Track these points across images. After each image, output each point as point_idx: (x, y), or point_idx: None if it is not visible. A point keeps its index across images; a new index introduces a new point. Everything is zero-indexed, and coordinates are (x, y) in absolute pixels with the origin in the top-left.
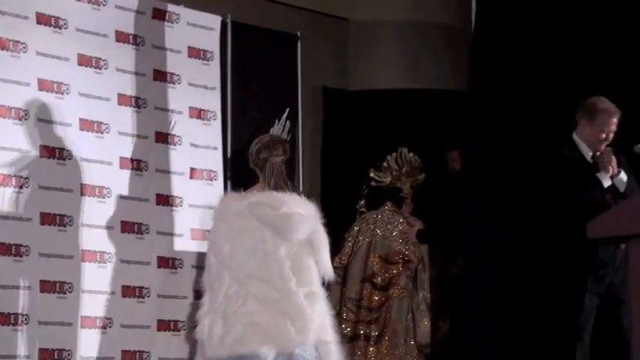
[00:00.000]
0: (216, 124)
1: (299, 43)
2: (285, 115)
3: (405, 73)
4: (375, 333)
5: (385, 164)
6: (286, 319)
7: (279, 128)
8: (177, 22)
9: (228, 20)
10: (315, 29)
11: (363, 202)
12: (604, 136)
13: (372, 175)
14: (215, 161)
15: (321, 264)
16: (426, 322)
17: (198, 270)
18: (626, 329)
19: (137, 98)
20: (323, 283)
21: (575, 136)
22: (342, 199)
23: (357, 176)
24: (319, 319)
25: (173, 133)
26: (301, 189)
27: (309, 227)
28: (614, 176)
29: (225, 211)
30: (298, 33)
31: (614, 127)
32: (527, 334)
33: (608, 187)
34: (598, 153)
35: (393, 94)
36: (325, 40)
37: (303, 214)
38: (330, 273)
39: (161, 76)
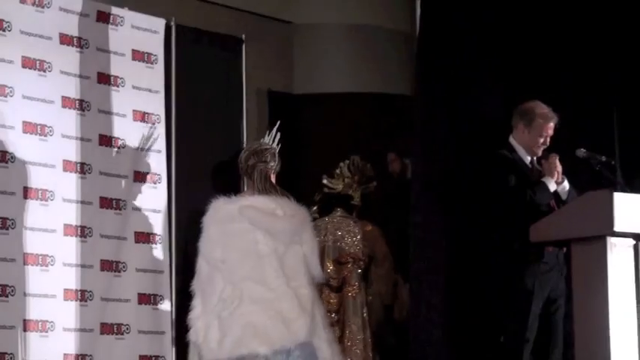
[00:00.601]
0: (160, 127)
1: (244, 47)
2: (276, 126)
3: (350, 76)
4: (337, 335)
5: (338, 171)
6: (282, 319)
7: (269, 139)
8: (121, 25)
9: (173, 23)
10: (259, 32)
11: (315, 208)
12: (542, 140)
13: (324, 182)
14: (159, 164)
15: (310, 266)
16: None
17: (143, 273)
18: (568, 333)
19: (81, 101)
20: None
21: (512, 140)
22: None
23: (303, 180)
24: (313, 318)
25: (116, 135)
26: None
27: (299, 229)
28: (558, 183)
29: (216, 215)
30: (243, 36)
31: (551, 132)
32: (474, 338)
33: (552, 192)
34: (544, 160)
35: (338, 97)
36: (270, 43)
37: (294, 217)
38: (319, 275)
39: (105, 78)
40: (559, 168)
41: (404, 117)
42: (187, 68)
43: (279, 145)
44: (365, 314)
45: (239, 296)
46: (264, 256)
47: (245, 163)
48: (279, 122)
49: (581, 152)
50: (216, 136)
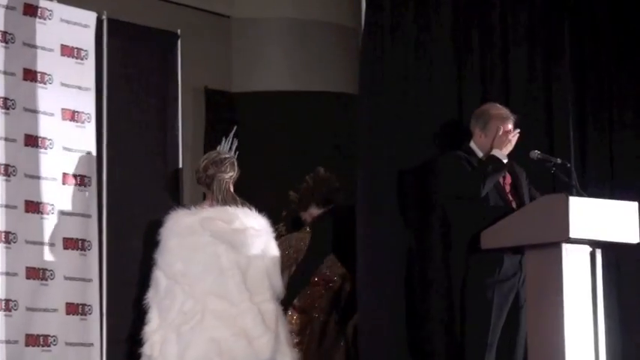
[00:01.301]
0: (91, 126)
1: (179, 42)
2: (232, 132)
3: (292, 74)
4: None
5: (305, 184)
6: (246, 336)
7: (226, 145)
8: (49, 19)
9: (104, 17)
10: (196, 27)
11: (282, 224)
12: None
13: (291, 197)
14: (89, 166)
15: (272, 279)
16: (342, 344)
17: (72, 281)
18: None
19: (5, 99)
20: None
21: (472, 145)
22: None
23: (241, 183)
24: (277, 336)
25: (43, 136)
26: (182, 198)
27: (262, 242)
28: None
29: (175, 227)
30: (178, 31)
31: None
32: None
33: (510, 192)
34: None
35: (279, 96)
36: (207, 38)
37: (257, 229)
38: (280, 289)
39: (31, 75)
40: (513, 140)
41: (350, 117)
42: (120, 64)
43: (237, 153)
44: (328, 343)
45: (201, 311)
46: (227, 270)
47: (204, 173)
48: (235, 128)
49: (535, 154)
50: (150, 137)
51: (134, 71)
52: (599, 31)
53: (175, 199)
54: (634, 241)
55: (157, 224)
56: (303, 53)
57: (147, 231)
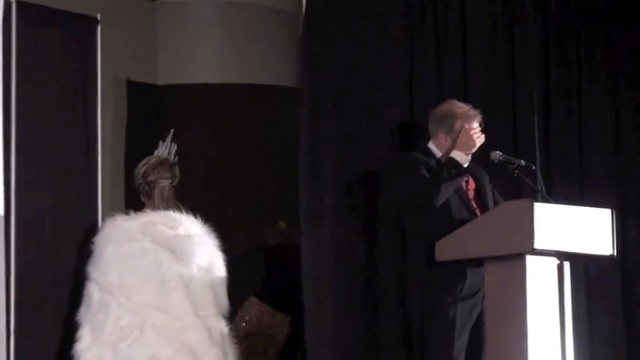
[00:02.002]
0: None
1: (99, 28)
2: (169, 135)
3: (225, 65)
4: None
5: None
6: (190, 352)
7: (164, 150)
8: None
9: (13, 0)
10: (117, 12)
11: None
12: None
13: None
14: None
15: (217, 297)
16: None
17: None
18: None
19: None
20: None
21: (431, 146)
22: None
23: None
24: (225, 354)
25: None
26: (100, 202)
27: (209, 253)
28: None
29: (113, 233)
30: (98, 16)
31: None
32: None
33: (474, 198)
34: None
35: (211, 89)
36: (130, 25)
37: (203, 237)
38: (226, 309)
39: None
40: (479, 141)
41: (290, 113)
42: (32, 52)
43: (177, 158)
44: None
45: (140, 325)
46: (169, 281)
47: (143, 179)
48: (172, 131)
49: (496, 155)
50: (65, 134)
51: (47, 59)
52: (566, 21)
53: (93, 202)
54: (606, 252)
55: (90, 232)
56: (238, 41)
57: (82, 240)
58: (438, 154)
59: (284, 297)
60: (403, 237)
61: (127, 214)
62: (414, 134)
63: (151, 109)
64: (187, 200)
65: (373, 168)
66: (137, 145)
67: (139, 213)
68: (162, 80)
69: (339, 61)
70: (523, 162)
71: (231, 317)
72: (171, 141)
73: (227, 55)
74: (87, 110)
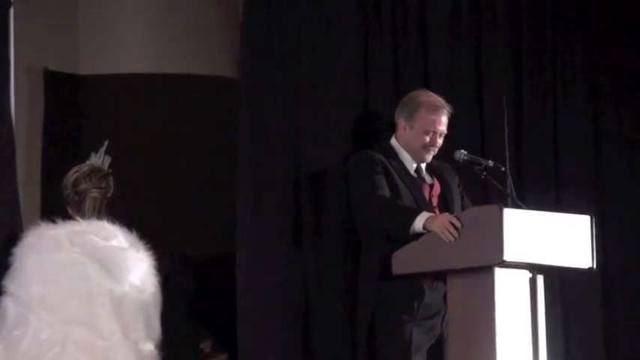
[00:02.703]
0: None
1: (11, 11)
2: (104, 147)
3: (155, 53)
4: None
5: None
6: None
7: (97, 161)
8: None
9: None
10: None
11: None
12: (428, 139)
13: None
14: None
15: (149, 319)
16: None
17: None
18: None
19: None
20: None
21: (393, 142)
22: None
23: None
24: None
25: None
26: (18, 205)
27: (143, 271)
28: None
29: (36, 243)
30: None
31: (442, 128)
32: None
33: (438, 205)
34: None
35: (139, 80)
36: (47, 7)
37: (139, 253)
38: (157, 332)
39: None
40: (449, 230)
41: (229, 107)
42: None
43: (111, 170)
44: None
45: (61, 341)
46: (97, 296)
47: (72, 188)
48: (106, 143)
49: (461, 155)
50: None
51: None
52: (540, 9)
53: (7, 207)
54: (585, 265)
55: (9, 243)
56: (169, 28)
57: None
58: (401, 152)
59: (217, 322)
60: (355, 248)
61: (52, 221)
62: (370, 132)
63: (71, 102)
64: (115, 208)
65: (322, 170)
66: (56, 143)
67: (67, 221)
68: (84, 70)
69: (283, 50)
70: (491, 162)
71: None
72: (105, 153)
73: (158, 43)
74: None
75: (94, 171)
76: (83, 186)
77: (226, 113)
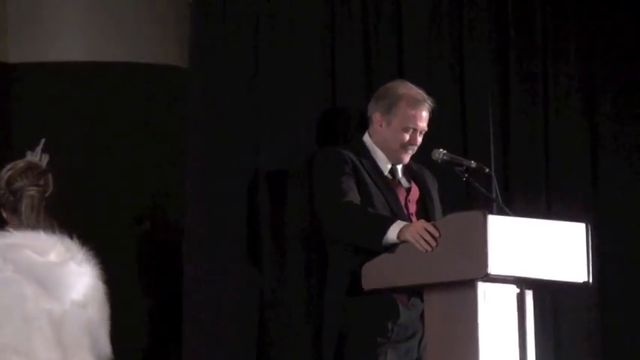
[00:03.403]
0: None
1: None
2: (40, 145)
3: (94, 39)
4: None
5: None
6: None
7: (33, 156)
8: None
9: None
10: None
11: None
12: (407, 137)
13: None
14: None
15: (95, 339)
16: None
17: None
18: None
19: None
20: None
21: (366, 139)
22: None
23: None
24: None
25: None
26: None
27: (86, 285)
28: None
29: None
30: None
31: (424, 124)
32: None
33: (416, 212)
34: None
35: (76, 68)
36: None
37: (80, 265)
38: (106, 353)
39: None
40: (425, 239)
41: (178, 98)
42: None
43: (49, 168)
44: None
45: None
46: (33, 319)
47: (7, 187)
48: (43, 140)
49: (440, 154)
50: None
51: None
52: None
53: None
54: (580, 279)
55: None
56: (111, 12)
57: None
58: (374, 150)
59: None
60: (320, 259)
61: None
62: (338, 129)
63: (1, 90)
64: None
65: (283, 171)
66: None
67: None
68: (14, 58)
69: (238, 37)
70: (474, 163)
71: None
72: (42, 151)
73: (97, 28)
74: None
75: (31, 167)
76: (19, 184)
77: (175, 106)
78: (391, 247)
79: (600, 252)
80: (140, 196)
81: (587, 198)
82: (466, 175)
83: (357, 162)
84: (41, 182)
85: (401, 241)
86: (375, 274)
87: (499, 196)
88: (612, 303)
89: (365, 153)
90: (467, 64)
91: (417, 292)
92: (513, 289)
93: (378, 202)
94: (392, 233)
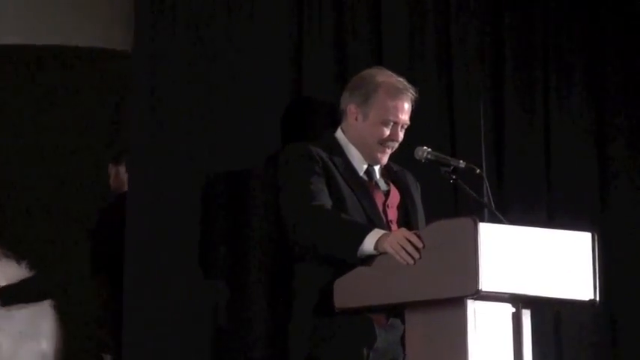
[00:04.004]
0: None
1: None
2: None
3: (32, 22)
4: None
5: None
6: None
7: None
8: None
9: None
10: None
11: None
12: (387, 132)
13: None
14: None
15: None
16: None
17: None
18: None
19: None
20: None
21: (339, 135)
22: None
23: None
24: None
25: None
26: None
27: (25, 315)
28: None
29: None
30: None
31: (405, 117)
32: None
33: (397, 219)
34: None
35: (12, 52)
36: None
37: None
38: None
39: None
40: (406, 250)
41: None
42: None
43: None
44: None
45: None
46: None
47: None
48: None
49: (424, 153)
50: None
51: None
52: None
53: None
54: (585, 296)
55: None
56: None
57: None
58: (348, 147)
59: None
60: (286, 272)
61: None
62: (306, 123)
63: None
64: None
65: (240, 171)
66: None
67: None
68: None
69: (191, 19)
70: (463, 163)
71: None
72: None
73: (34, 11)
74: None
75: None
76: None
77: (118, 93)
78: (367, 260)
79: (609, 266)
80: (78, 185)
81: (595, 203)
82: (454, 177)
83: (328, 161)
84: None
85: (379, 252)
86: (349, 290)
87: (491, 201)
88: (624, 325)
89: (337, 151)
90: (455, 52)
91: (396, 311)
92: (508, 309)
93: (352, 206)
94: (368, 243)
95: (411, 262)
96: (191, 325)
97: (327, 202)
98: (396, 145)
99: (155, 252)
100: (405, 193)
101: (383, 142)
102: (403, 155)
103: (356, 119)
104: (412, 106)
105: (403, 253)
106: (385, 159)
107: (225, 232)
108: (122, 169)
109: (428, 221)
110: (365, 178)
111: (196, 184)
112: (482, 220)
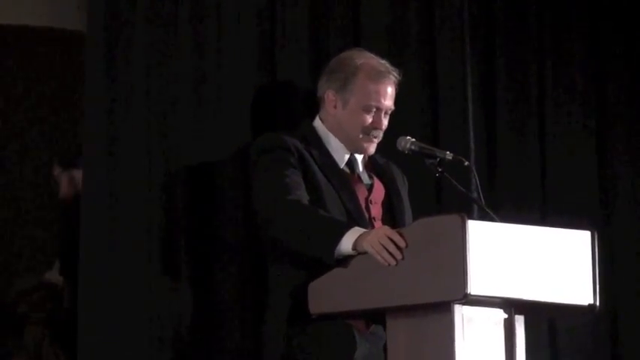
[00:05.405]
0: None
1: None
2: None
3: None
4: None
5: None
6: None
7: None
8: None
9: None
10: None
11: None
12: (369, 119)
13: None
14: None
15: None
16: None
17: None
18: None
19: None
20: None
21: (317, 124)
22: None
23: None
24: None
25: None
26: None
27: None
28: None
29: None
30: None
31: (389, 103)
32: None
33: (383, 216)
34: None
35: None
36: None
37: None
38: None
39: None
40: (388, 250)
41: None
42: None
43: None
44: None
45: None
46: None
47: None
48: None
49: (407, 143)
50: None
51: None
52: None
53: None
54: (583, 301)
55: None
56: None
57: None
58: (329, 138)
59: None
60: (259, 275)
61: None
62: (278, 112)
63: None
64: None
65: (206, 163)
66: None
67: None
68: None
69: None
70: (449, 154)
71: None
72: None
73: None
74: None
75: None
76: None
77: (71, 76)
78: (345, 260)
79: (610, 267)
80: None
81: (593, 199)
82: (440, 170)
83: (305, 152)
84: None
85: (358, 252)
86: (325, 294)
87: (481, 196)
88: (626, 331)
89: (315, 141)
90: (439, 33)
91: (378, 317)
92: (500, 314)
93: (331, 201)
94: (347, 242)
95: (393, 262)
96: (152, 332)
97: (303, 196)
98: (381, 133)
99: (113, 258)
100: (390, 187)
101: (366, 131)
102: (383, 146)
103: (335, 107)
104: (396, 90)
105: (384, 253)
106: (372, 148)
107: (190, 234)
108: (78, 173)
109: (414, 219)
110: (346, 170)
111: (156, 181)
112: (471, 217)
